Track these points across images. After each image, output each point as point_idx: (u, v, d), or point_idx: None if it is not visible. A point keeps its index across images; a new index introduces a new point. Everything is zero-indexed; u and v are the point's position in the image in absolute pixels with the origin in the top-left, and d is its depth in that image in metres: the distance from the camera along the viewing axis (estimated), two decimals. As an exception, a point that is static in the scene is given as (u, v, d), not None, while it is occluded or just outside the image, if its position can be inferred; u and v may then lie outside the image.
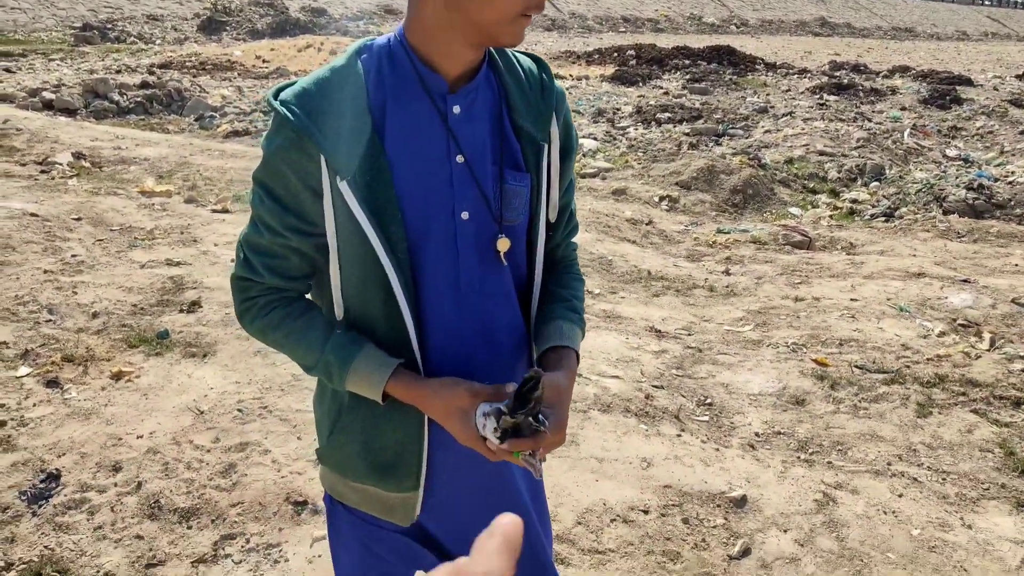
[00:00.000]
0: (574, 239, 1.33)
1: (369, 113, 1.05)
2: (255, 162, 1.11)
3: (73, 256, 4.70)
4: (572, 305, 1.24)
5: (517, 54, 1.19)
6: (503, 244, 1.13)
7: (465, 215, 1.10)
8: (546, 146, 1.15)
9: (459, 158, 1.09)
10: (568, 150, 1.21)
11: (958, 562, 2.42)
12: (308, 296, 1.20)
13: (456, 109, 1.09)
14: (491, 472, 1.20)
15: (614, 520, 2.56)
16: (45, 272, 4.39)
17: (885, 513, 2.65)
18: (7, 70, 13.64)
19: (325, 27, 24.19)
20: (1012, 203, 6.60)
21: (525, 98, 1.14)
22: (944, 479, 2.87)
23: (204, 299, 4.17)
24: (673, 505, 2.65)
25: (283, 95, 1.06)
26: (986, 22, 56.00)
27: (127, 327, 3.82)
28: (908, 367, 3.70)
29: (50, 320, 3.83)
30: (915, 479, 2.86)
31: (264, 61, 15.61)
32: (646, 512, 2.61)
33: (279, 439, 2.94)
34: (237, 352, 3.63)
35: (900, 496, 2.75)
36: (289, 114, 1.03)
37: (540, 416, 1.00)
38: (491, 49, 1.14)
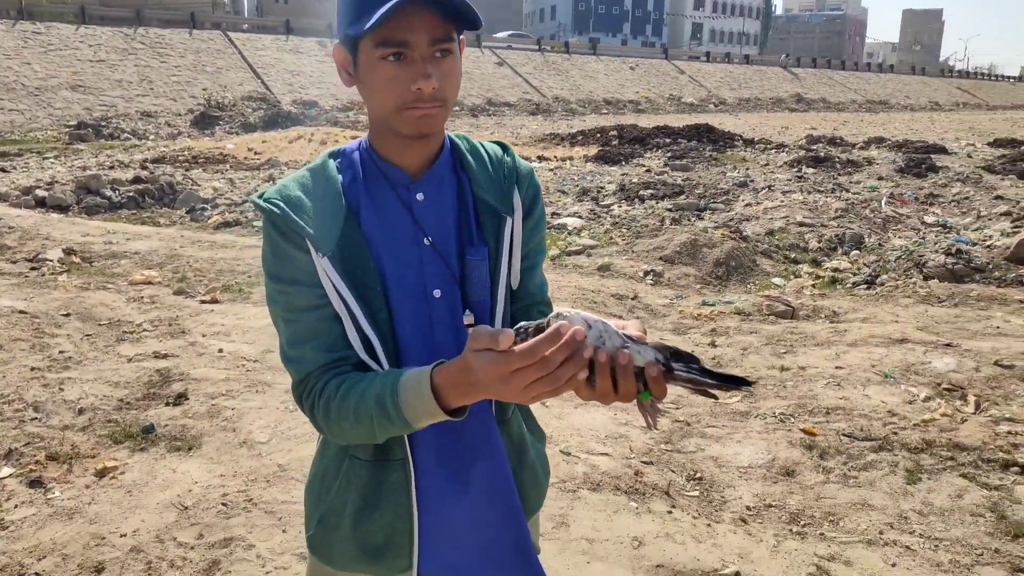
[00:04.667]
0: (546, 293, 1.36)
1: (343, 200, 1.14)
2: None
3: (61, 352, 4.71)
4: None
5: (483, 142, 1.29)
6: (468, 319, 1.19)
7: (437, 293, 1.17)
8: (508, 218, 1.22)
9: (426, 240, 1.17)
10: (532, 216, 1.27)
11: (955, 633, 2.37)
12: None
13: (420, 196, 1.18)
14: (483, 548, 1.21)
15: (605, 603, 2.51)
16: (32, 369, 4.39)
17: (879, 585, 2.62)
18: (2, 170, 13.88)
19: (315, 119, 24.75)
20: (991, 266, 6.71)
21: (487, 175, 1.23)
22: (937, 546, 2.84)
23: (190, 391, 4.17)
24: (664, 585, 2.61)
25: (265, 194, 1.15)
26: (957, 92, 57.88)
27: (113, 422, 3.80)
28: (895, 433, 3.70)
29: (35, 418, 3.81)
30: (908, 547, 2.83)
31: (256, 153, 15.91)
32: (637, 593, 2.56)
33: (264, 533, 2.90)
34: (222, 444, 3.61)
35: (893, 566, 2.72)
36: (273, 207, 1.12)
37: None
38: (452, 137, 1.25)
